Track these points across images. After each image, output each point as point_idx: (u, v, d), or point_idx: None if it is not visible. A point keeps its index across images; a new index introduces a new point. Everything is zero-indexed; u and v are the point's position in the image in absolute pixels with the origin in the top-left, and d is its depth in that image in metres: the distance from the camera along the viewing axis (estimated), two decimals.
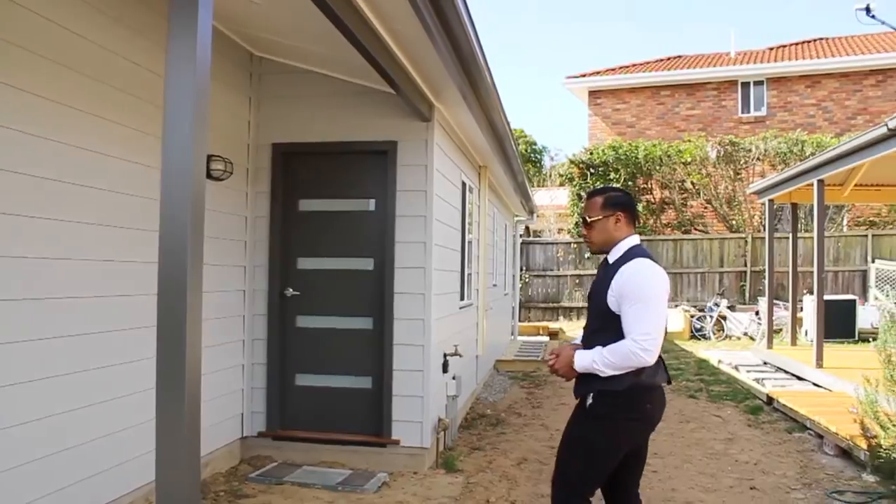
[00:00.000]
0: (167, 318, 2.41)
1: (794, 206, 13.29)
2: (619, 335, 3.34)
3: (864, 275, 17.90)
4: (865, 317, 16.16)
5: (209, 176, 5.91)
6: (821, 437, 7.37)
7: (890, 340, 5.50)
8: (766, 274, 13.22)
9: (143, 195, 4.79)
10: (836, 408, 7.98)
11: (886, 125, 7.73)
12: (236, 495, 5.57)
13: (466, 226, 8.40)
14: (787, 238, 16.37)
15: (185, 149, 2.43)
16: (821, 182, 10.30)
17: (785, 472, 6.36)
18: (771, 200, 12.84)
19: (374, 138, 6.44)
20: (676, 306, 18.42)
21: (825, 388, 9.58)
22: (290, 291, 6.60)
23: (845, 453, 6.82)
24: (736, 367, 11.99)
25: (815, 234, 10.57)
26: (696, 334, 17.52)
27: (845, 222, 20.05)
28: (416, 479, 6.05)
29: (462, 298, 8.11)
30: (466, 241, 8.38)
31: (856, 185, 12.10)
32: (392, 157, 6.38)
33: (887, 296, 16.72)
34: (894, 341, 5.42)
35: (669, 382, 3.61)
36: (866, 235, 18.24)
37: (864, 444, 6.32)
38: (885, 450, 5.46)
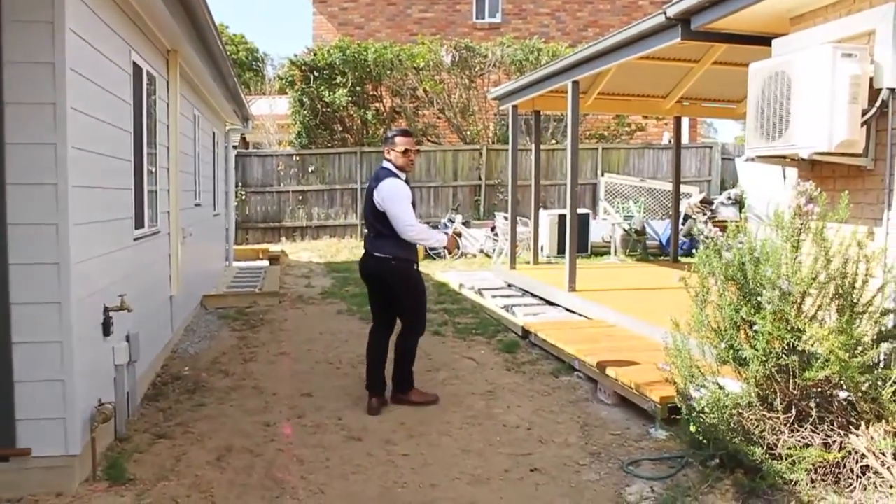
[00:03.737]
0: None
1: (538, 114, 12.25)
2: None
3: (595, 188, 17.71)
4: (597, 230, 15.92)
5: None
6: (592, 379, 6.24)
7: (707, 271, 4.23)
8: (509, 188, 12.12)
9: None
10: (602, 342, 6.92)
11: (664, 13, 6.52)
12: None
13: (146, 127, 6.11)
14: (526, 150, 15.60)
15: None
16: (575, 84, 9.14)
17: (566, 439, 5.05)
18: (515, 107, 11.65)
19: None
20: None
21: (580, 315, 8.60)
22: None
23: (624, 401, 5.71)
24: (479, 292, 10.83)
25: (568, 142, 9.47)
26: (431, 253, 16.32)
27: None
28: None
29: (140, 226, 5.88)
30: (146, 148, 6.10)
31: (599, 94, 11.25)
32: None
33: (617, 210, 16.63)
34: (718, 273, 4.14)
35: (366, 249, 5.69)
36: (597, 149, 18.00)
37: (655, 397, 5.18)
38: (700, 413, 4.25)
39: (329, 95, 18.31)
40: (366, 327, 8.74)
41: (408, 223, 5.42)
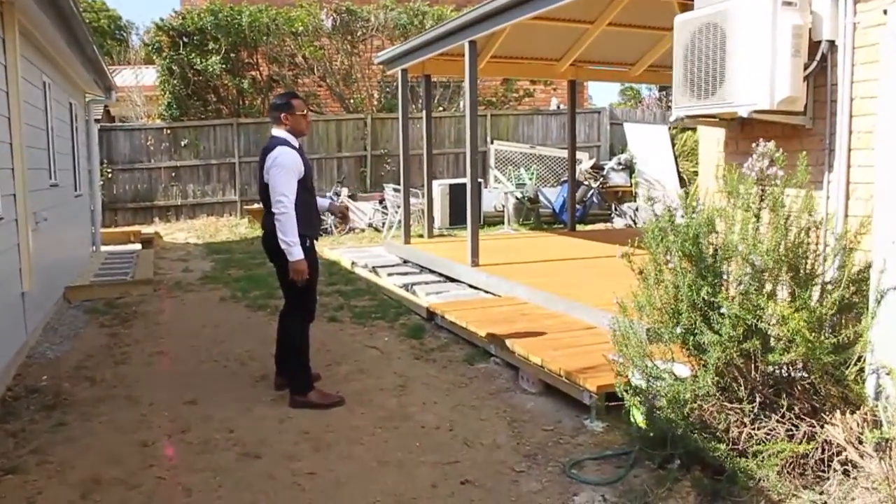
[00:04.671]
0: None
1: (428, 79, 11.57)
2: None
3: (485, 156, 17.16)
4: (489, 200, 15.47)
5: None
6: (512, 365, 5.69)
7: (656, 247, 3.70)
8: (401, 157, 11.41)
9: None
10: (518, 322, 6.39)
11: None
12: None
13: None
14: (414, 118, 14.91)
15: None
16: (473, 44, 8.50)
17: (494, 439, 4.47)
18: (405, 71, 10.92)
19: None
20: None
21: (487, 292, 8.06)
22: None
23: (550, 388, 5.18)
24: (374, 270, 10.14)
25: (466, 107, 8.87)
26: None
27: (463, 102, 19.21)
28: None
29: None
30: None
31: (491, 57, 10.70)
32: None
33: (508, 178, 16.20)
34: (674, 249, 3.61)
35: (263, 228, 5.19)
36: (486, 115, 17.42)
37: (592, 386, 4.67)
38: (658, 409, 3.75)
39: (201, 63, 16.97)
40: (253, 315, 7.98)
41: (282, 195, 4.88)
